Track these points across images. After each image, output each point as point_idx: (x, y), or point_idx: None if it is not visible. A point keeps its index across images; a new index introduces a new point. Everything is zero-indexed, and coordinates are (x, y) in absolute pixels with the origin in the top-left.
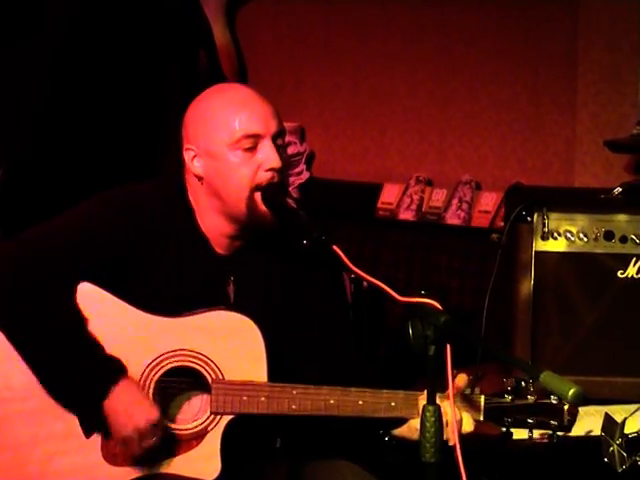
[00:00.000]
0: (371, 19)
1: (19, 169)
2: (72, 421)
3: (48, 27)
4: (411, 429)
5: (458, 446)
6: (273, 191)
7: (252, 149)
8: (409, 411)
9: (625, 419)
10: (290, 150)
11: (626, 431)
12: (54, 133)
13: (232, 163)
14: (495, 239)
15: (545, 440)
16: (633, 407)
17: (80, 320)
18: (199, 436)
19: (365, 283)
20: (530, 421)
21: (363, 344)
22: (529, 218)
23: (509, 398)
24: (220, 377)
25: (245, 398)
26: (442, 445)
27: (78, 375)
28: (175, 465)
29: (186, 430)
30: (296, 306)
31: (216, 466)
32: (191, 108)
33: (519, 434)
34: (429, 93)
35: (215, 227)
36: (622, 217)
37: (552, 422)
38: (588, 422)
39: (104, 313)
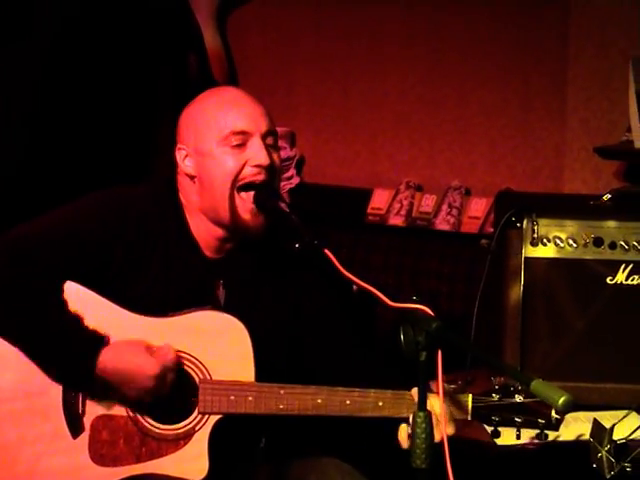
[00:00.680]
0: (362, 24)
1: (10, 170)
2: (60, 422)
3: (39, 29)
4: (399, 439)
5: (446, 447)
6: (266, 194)
7: (241, 146)
8: (396, 410)
9: (614, 425)
10: (280, 155)
11: (615, 437)
12: (46, 134)
13: (220, 158)
14: (485, 245)
15: (534, 440)
16: (622, 413)
17: (64, 305)
18: (187, 436)
19: (356, 288)
20: (518, 420)
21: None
22: (518, 224)
23: (496, 397)
24: (207, 377)
25: (233, 398)
26: (433, 451)
27: (67, 348)
28: (163, 465)
29: (174, 430)
30: (287, 309)
31: (204, 466)
32: (185, 110)
33: (508, 438)
34: (419, 98)
35: (205, 230)
36: (611, 223)
37: (540, 421)
38: (577, 428)
39: (90, 312)
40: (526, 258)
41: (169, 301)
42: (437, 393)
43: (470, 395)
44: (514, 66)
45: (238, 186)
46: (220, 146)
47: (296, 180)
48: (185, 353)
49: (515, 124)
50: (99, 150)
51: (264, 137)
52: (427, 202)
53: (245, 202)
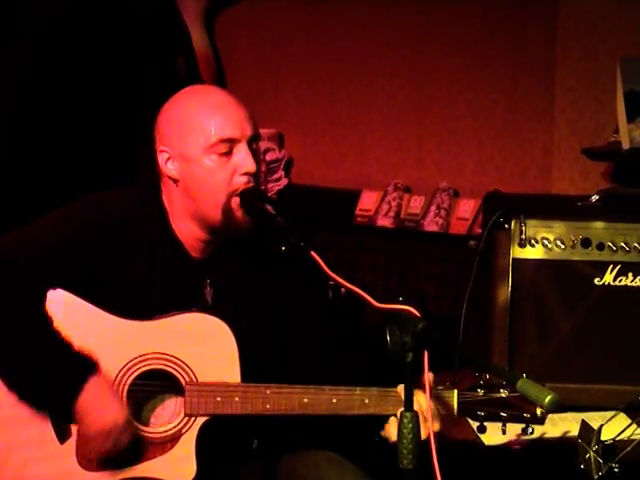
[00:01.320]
0: (350, 26)
1: None
2: (46, 427)
3: (25, 30)
4: (389, 432)
5: (433, 441)
6: (252, 196)
7: (227, 154)
8: (383, 408)
9: (601, 426)
10: (268, 156)
11: (602, 438)
12: (31, 135)
13: (208, 167)
14: (473, 246)
15: (520, 436)
16: (609, 414)
17: (48, 323)
18: (174, 438)
19: (343, 289)
20: (503, 415)
21: (345, 347)
22: (507, 225)
23: (482, 392)
24: (193, 379)
25: (219, 399)
26: (420, 451)
27: (48, 376)
28: (150, 468)
29: (160, 433)
30: (274, 309)
31: (192, 468)
32: (165, 110)
33: (494, 434)
34: (407, 100)
35: (189, 231)
36: (599, 224)
37: (525, 415)
38: (565, 428)
39: (75, 318)
40: (514, 259)
41: (157, 302)
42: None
43: (455, 390)
44: (502, 67)
45: (230, 194)
46: (207, 154)
47: (284, 181)
48: (171, 356)
49: (503, 125)
50: (85, 152)
51: (249, 142)
52: (415, 203)
53: (237, 201)
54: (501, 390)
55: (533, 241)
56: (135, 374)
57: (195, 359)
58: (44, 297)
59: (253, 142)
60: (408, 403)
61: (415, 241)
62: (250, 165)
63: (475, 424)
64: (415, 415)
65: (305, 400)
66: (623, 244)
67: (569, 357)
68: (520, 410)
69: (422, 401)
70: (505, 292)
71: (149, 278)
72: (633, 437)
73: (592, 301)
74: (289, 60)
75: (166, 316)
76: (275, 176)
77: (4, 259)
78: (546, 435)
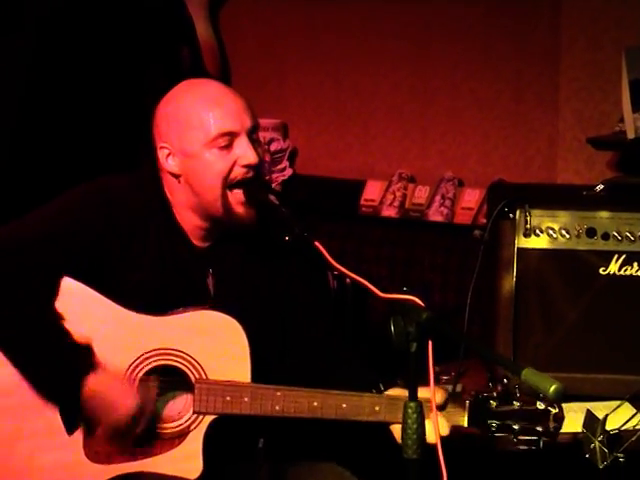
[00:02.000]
0: (354, 15)
1: None
2: (55, 418)
3: (28, 23)
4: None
5: (439, 445)
6: (256, 187)
7: (228, 146)
8: (393, 415)
9: (607, 416)
10: (273, 146)
11: (608, 427)
12: (34, 130)
13: (208, 161)
14: (477, 236)
15: (532, 447)
16: (615, 404)
17: (54, 313)
18: (181, 435)
19: (348, 280)
20: (515, 427)
21: (346, 339)
22: (511, 215)
23: (494, 404)
24: (203, 377)
25: (228, 398)
26: (424, 442)
27: (52, 367)
28: (157, 464)
29: (169, 429)
30: (276, 298)
31: (198, 465)
32: (162, 105)
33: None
34: (411, 90)
35: (191, 221)
36: (604, 214)
37: (537, 428)
38: (570, 418)
39: (87, 310)
40: (519, 249)
41: (160, 291)
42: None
43: (467, 402)
44: (506, 57)
45: (229, 185)
46: (207, 148)
47: (289, 172)
48: (181, 352)
49: (508, 115)
50: (89, 144)
51: (249, 133)
52: (420, 193)
53: (237, 196)
54: (514, 402)
55: (538, 231)
56: (145, 369)
57: (206, 356)
58: (51, 286)
59: (253, 133)
60: (412, 393)
61: (420, 231)
62: (252, 157)
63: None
64: (419, 405)
65: (315, 404)
66: (628, 234)
67: (574, 347)
68: (532, 423)
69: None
70: (510, 282)
71: (155, 265)
72: (638, 427)
73: (597, 291)
74: (293, 50)
75: (177, 312)
76: (279, 166)
77: (7, 247)
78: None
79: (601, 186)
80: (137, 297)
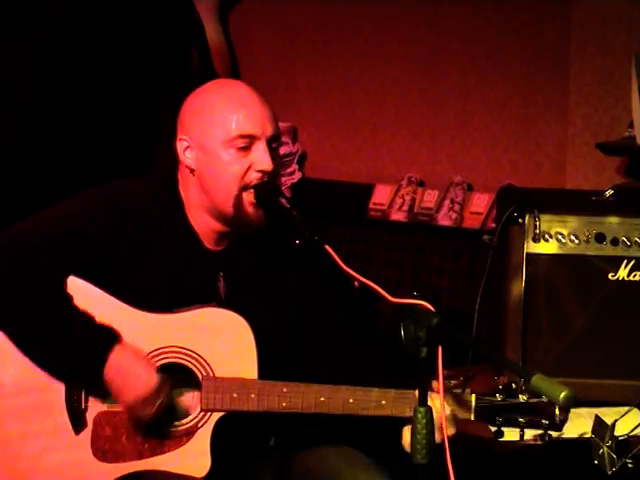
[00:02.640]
0: (364, 19)
1: (8, 167)
2: (62, 417)
3: (39, 25)
4: (404, 443)
5: (447, 444)
6: (266, 190)
7: (246, 149)
8: (399, 410)
9: (615, 421)
10: (282, 150)
11: (616, 433)
12: (44, 130)
13: (224, 160)
14: (486, 240)
15: (537, 441)
16: (623, 409)
17: (68, 301)
18: (189, 433)
19: (357, 283)
20: (521, 420)
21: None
22: (520, 220)
23: (500, 397)
24: (211, 374)
25: (235, 395)
26: (433, 446)
27: (74, 348)
28: (165, 461)
29: (176, 427)
30: (287, 302)
31: (206, 463)
32: (189, 99)
33: (510, 435)
34: (421, 94)
35: (204, 223)
36: (613, 219)
37: (543, 421)
38: (579, 424)
39: (94, 309)
40: (528, 254)
41: (171, 293)
42: (438, 391)
43: (473, 395)
44: (516, 62)
45: (242, 188)
46: (225, 147)
47: (298, 175)
48: (188, 350)
49: (517, 120)
50: (99, 146)
51: (269, 141)
52: (429, 197)
53: (249, 197)
54: (520, 395)
55: (547, 236)
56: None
57: (213, 354)
58: (62, 280)
59: (273, 142)
60: (422, 398)
61: (428, 235)
62: (267, 163)
63: (493, 428)
64: (429, 410)
65: (322, 399)
66: (637, 239)
67: (583, 352)
68: (538, 416)
69: (437, 405)
70: (519, 287)
71: (166, 268)
72: None
73: (606, 296)
74: (303, 54)
75: (185, 310)
76: (289, 170)
77: (21, 244)
78: (561, 433)
79: (610, 191)
80: (147, 299)
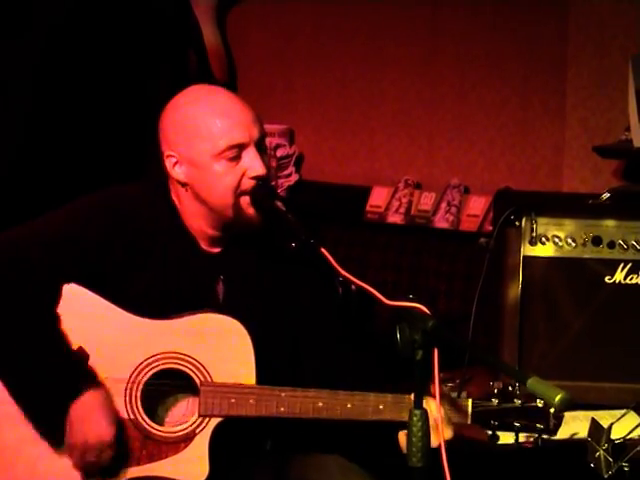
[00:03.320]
0: (361, 21)
1: (7, 168)
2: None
3: (36, 27)
4: (401, 445)
5: (443, 448)
6: (262, 194)
7: (236, 158)
8: (397, 414)
9: (612, 424)
10: (279, 152)
11: (612, 436)
12: (43, 132)
13: (216, 173)
14: (483, 243)
15: (530, 444)
16: (620, 412)
17: (55, 323)
18: (187, 439)
19: (353, 286)
20: (516, 424)
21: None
22: (517, 222)
23: (496, 402)
24: (208, 379)
25: (233, 400)
26: (429, 449)
27: (46, 381)
28: (163, 468)
29: (174, 433)
30: (285, 305)
31: (204, 469)
32: (169, 113)
33: (505, 438)
34: (418, 96)
35: (200, 227)
36: (610, 222)
37: (538, 425)
38: (575, 427)
39: (92, 314)
40: (525, 257)
41: (170, 297)
42: (434, 395)
43: (470, 400)
44: (513, 64)
45: (238, 194)
46: (216, 160)
47: (295, 177)
48: (186, 355)
49: (514, 122)
50: (96, 147)
51: (257, 144)
52: (426, 200)
53: (246, 199)
54: (515, 400)
55: (544, 239)
56: (150, 373)
57: (210, 359)
58: (54, 292)
59: (261, 143)
60: (417, 401)
61: (425, 238)
62: (259, 168)
63: (488, 432)
64: (424, 413)
65: (320, 404)
66: (634, 242)
67: (579, 355)
68: (533, 420)
69: (433, 409)
70: (515, 290)
71: (163, 272)
72: None
73: (603, 299)
74: (300, 56)
75: (181, 315)
76: (285, 172)
77: (14, 253)
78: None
79: (607, 194)
80: (144, 303)
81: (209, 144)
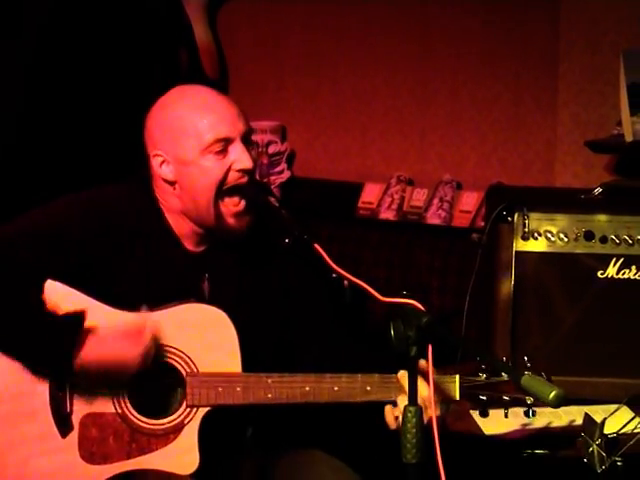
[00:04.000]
0: (352, 18)
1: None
2: (48, 422)
3: (27, 26)
4: (387, 420)
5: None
6: (254, 190)
7: (223, 151)
8: (384, 394)
9: (605, 419)
10: (271, 149)
11: (606, 431)
12: (33, 133)
13: (204, 167)
14: (476, 239)
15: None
16: (613, 407)
17: (42, 305)
18: (176, 430)
19: (346, 282)
20: (505, 398)
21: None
22: (510, 218)
23: (483, 376)
24: (195, 370)
25: (220, 389)
26: (423, 445)
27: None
28: (153, 460)
29: (163, 425)
30: (273, 301)
31: (194, 459)
32: (155, 113)
33: (494, 426)
34: (410, 92)
35: (185, 226)
36: (602, 217)
37: (527, 398)
38: (568, 420)
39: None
40: (517, 252)
41: (154, 296)
42: (423, 378)
43: (457, 375)
44: (505, 60)
45: (223, 190)
46: (203, 155)
47: (287, 174)
48: (170, 347)
49: (506, 118)
50: (88, 148)
51: (243, 138)
52: (418, 196)
53: (229, 207)
54: (502, 374)
55: (536, 234)
56: None
57: (195, 350)
58: (39, 287)
59: (247, 137)
60: (412, 397)
61: (418, 234)
62: (246, 162)
63: (476, 412)
64: (419, 409)
65: (307, 389)
66: (626, 237)
67: (572, 350)
68: (522, 393)
69: (422, 388)
70: (508, 285)
71: (147, 271)
72: (636, 431)
73: (595, 294)
74: (292, 53)
75: (163, 307)
76: (277, 169)
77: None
78: (550, 426)
79: (599, 189)
80: (127, 301)
81: (196, 140)
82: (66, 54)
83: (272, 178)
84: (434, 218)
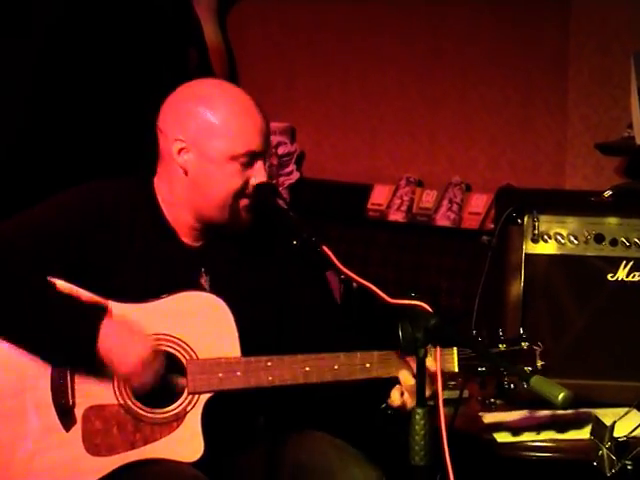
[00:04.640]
0: (362, 19)
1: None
2: (51, 417)
3: (35, 26)
4: (392, 398)
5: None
6: (264, 191)
7: (249, 164)
8: (385, 371)
9: (614, 422)
10: (280, 150)
11: (615, 434)
12: (40, 131)
13: (227, 173)
14: (485, 241)
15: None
16: (623, 410)
17: (51, 287)
18: (179, 418)
19: (355, 284)
20: (503, 368)
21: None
22: (519, 220)
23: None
24: (194, 357)
25: (221, 375)
26: (432, 448)
27: (65, 329)
28: (158, 449)
29: (165, 413)
30: (272, 295)
31: (199, 446)
32: (187, 100)
33: (507, 436)
34: (420, 94)
35: (183, 220)
36: (613, 220)
37: (526, 368)
38: (577, 425)
39: None
40: (527, 254)
41: (151, 290)
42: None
43: (455, 348)
44: (515, 62)
45: (236, 195)
46: (231, 162)
47: (296, 175)
48: (169, 335)
49: (516, 120)
50: (95, 146)
51: (266, 156)
52: (427, 198)
53: (243, 203)
54: (500, 345)
55: (546, 236)
56: None
57: (194, 337)
58: (43, 271)
59: (269, 151)
60: (420, 399)
61: (427, 236)
62: (263, 177)
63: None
64: (427, 412)
65: (307, 369)
66: (637, 240)
67: (582, 353)
68: (520, 362)
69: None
70: (517, 287)
71: (144, 265)
72: None
73: (605, 297)
74: (301, 54)
75: (160, 297)
76: (286, 170)
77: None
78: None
79: (609, 192)
80: (127, 295)
81: (229, 144)
82: (74, 53)
83: (281, 179)
84: (443, 220)
